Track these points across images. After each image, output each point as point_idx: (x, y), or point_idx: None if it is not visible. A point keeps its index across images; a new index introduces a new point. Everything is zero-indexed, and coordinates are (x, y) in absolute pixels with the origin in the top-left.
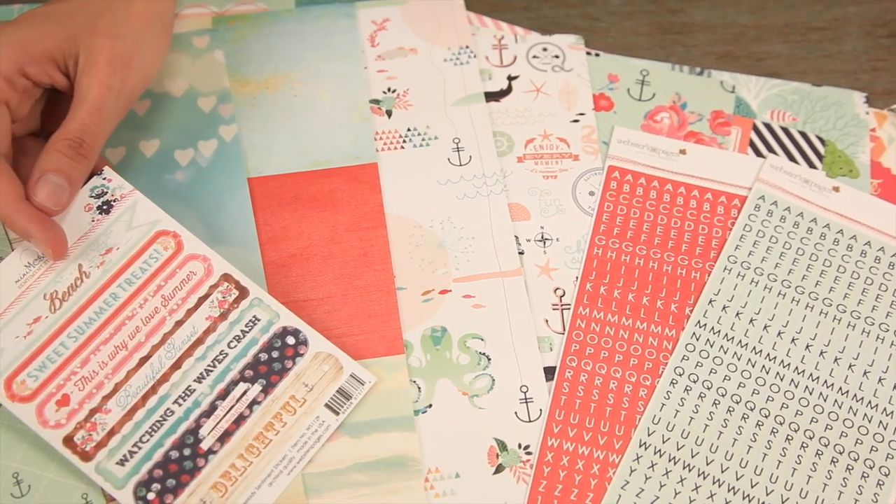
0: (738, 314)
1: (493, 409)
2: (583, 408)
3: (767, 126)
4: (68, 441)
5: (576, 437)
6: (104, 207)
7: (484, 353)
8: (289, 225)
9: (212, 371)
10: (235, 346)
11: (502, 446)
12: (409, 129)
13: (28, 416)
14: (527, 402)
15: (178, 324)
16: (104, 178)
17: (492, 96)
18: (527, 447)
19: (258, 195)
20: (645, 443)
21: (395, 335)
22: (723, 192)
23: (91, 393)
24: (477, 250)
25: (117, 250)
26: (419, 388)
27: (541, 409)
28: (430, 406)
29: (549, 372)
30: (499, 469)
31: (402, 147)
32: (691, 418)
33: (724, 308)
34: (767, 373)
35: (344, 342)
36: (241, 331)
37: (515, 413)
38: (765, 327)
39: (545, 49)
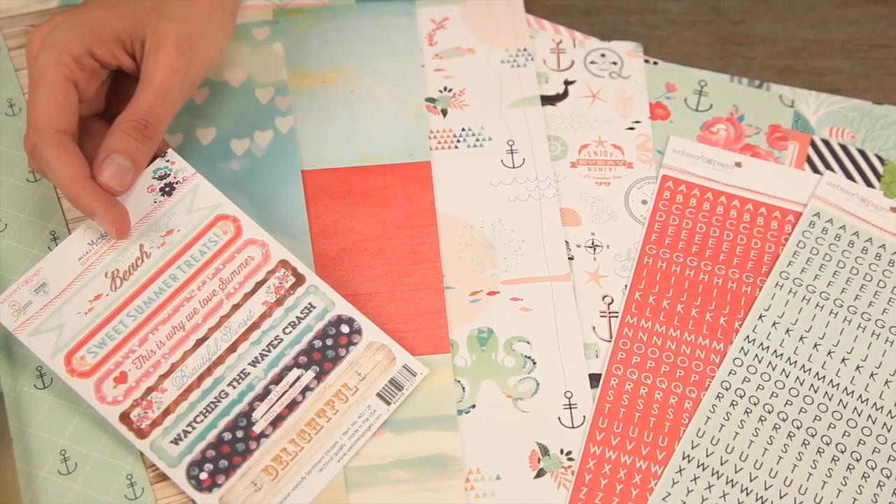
0: (787, 331)
1: (537, 412)
2: (627, 416)
3: (825, 142)
4: (124, 418)
5: (619, 446)
6: (166, 189)
7: (529, 357)
8: (340, 219)
9: (266, 356)
10: (290, 332)
11: (544, 451)
12: (463, 129)
13: (86, 391)
14: (571, 408)
15: (235, 307)
16: (167, 161)
17: (548, 100)
18: (569, 453)
19: (311, 188)
20: (688, 455)
21: (441, 333)
22: (777, 208)
23: (148, 371)
24: (526, 253)
25: (178, 232)
26: (463, 387)
27: (584, 416)
28: (474, 406)
29: (594, 379)
30: (540, 473)
31: (456, 146)
32: (736, 433)
33: (773, 324)
34: (815, 391)
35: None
36: (297, 317)
37: (559, 418)
38: (815, 345)
39: (603, 55)
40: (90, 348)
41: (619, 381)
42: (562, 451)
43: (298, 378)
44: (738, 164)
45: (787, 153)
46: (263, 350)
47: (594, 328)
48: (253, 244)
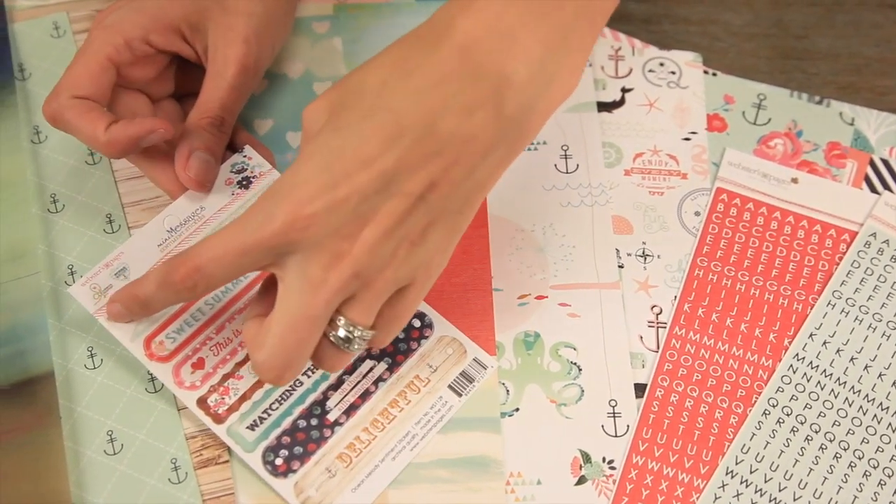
0: (838, 351)
1: (581, 419)
2: (671, 428)
3: (885, 162)
4: (202, 402)
5: (661, 457)
6: (244, 183)
7: (575, 363)
8: None
9: None
10: None
11: (586, 458)
12: None
13: (165, 375)
14: (615, 417)
15: None
16: (244, 156)
17: (604, 107)
18: (611, 462)
19: None
20: (732, 471)
21: (488, 335)
22: (833, 226)
23: (225, 359)
24: (576, 259)
25: None
26: (507, 390)
27: (628, 425)
28: (517, 410)
29: (639, 389)
30: (581, 480)
31: None
32: (781, 451)
33: (824, 343)
34: (864, 413)
35: None
36: None
37: (602, 426)
38: (865, 367)
39: (662, 64)
40: (168, 334)
41: (665, 392)
42: (604, 460)
43: (371, 369)
44: (795, 180)
45: (845, 171)
46: None
47: (641, 338)
48: None
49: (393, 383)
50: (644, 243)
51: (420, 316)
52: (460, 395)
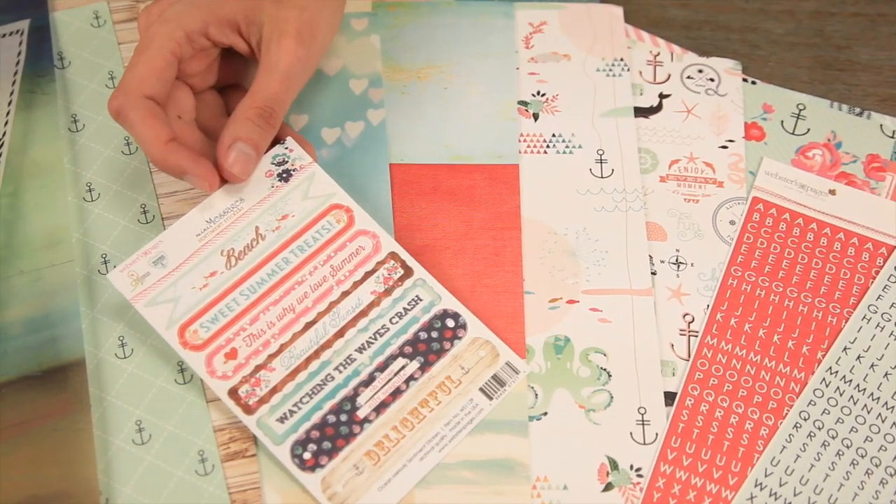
0: (872, 366)
1: (609, 426)
2: (700, 438)
3: None
4: (233, 393)
5: (690, 467)
6: (284, 175)
7: (605, 369)
8: (425, 215)
9: (373, 343)
10: (397, 322)
11: (614, 465)
12: (553, 135)
13: (198, 364)
14: (643, 424)
15: (345, 294)
16: (286, 148)
17: (641, 112)
18: (638, 469)
19: (398, 182)
20: (761, 483)
21: (518, 338)
22: (870, 239)
23: (258, 350)
24: (609, 265)
25: (293, 217)
26: (536, 394)
27: (657, 433)
28: (546, 414)
29: (669, 397)
30: (608, 487)
31: (545, 152)
32: (812, 465)
33: (858, 357)
34: None
35: None
36: (404, 308)
37: (631, 433)
38: None
39: (701, 71)
40: (203, 323)
41: (695, 401)
42: (631, 467)
43: (403, 367)
44: (833, 192)
45: (885, 184)
46: (370, 338)
47: (672, 346)
48: (364, 235)
49: (424, 383)
50: (678, 251)
51: (454, 316)
52: (491, 398)
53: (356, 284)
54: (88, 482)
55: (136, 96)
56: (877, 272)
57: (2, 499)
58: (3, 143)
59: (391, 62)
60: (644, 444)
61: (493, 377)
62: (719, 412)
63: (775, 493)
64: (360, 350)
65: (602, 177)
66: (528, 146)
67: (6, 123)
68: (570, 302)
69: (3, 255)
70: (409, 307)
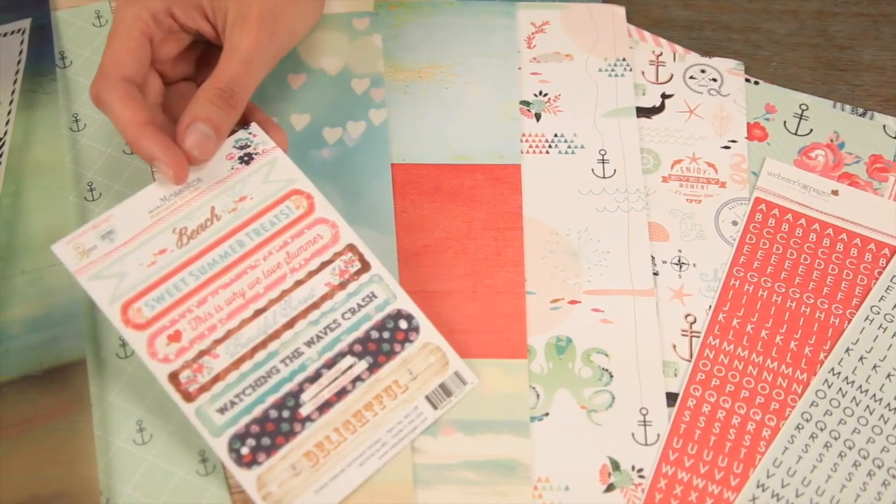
0: (875, 367)
1: (611, 426)
2: (702, 439)
3: None
4: (173, 377)
5: (692, 468)
6: (245, 158)
7: (607, 370)
8: (426, 215)
9: (322, 338)
10: (349, 318)
11: (615, 465)
12: (555, 135)
13: (139, 343)
14: (645, 425)
15: (298, 283)
16: (250, 133)
17: (643, 112)
18: (640, 470)
19: (399, 182)
20: (763, 484)
21: (519, 338)
22: (872, 240)
23: (203, 334)
24: (611, 265)
25: (251, 199)
26: (538, 395)
27: (658, 434)
28: (547, 414)
29: (671, 398)
30: (609, 488)
31: (547, 152)
32: (814, 467)
33: (860, 359)
34: None
35: (468, 339)
36: (357, 304)
37: (632, 434)
38: None
39: (703, 71)
40: (148, 301)
41: (697, 402)
42: (633, 468)
43: (351, 367)
44: (835, 192)
45: (888, 185)
46: (320, 332)
47: (675, 346)
48: (324, 223)
49: (371, 385)
50: (680, 251)
51: (408, 318)
52: (436, 407)
53: (311, 274)
54: (89, 482)
55: (113, 79)
56: (879, 273)
57: (2, 498)
58: (4, 143)
59: (393, 62)
60: (646, 444)
61: (441, 386)
62: (721, 413)
63: (777, 495)
64: (309, 344)
65: (604, 177)
66: (530, 146)
67: (7, 123)
68: (572, 302)
69: (5, 254)
70: (362, 303)
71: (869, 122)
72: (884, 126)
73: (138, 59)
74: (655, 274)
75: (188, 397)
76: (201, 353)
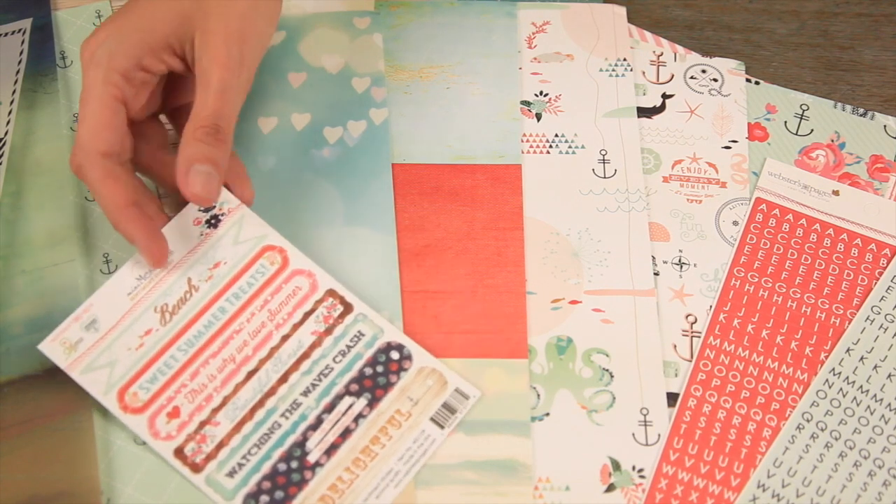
0: (875, 367)
1: (611, 426)
2: (703, 439)
3: None
4: (179, 453)
5: (692, 468)
6: (212, 222)
7: (607, 370)
8: (427, 215)
9: (318, 385)
10: (341, 361)
11: (616, 466)
12: (556, 135)
13: (140, 427)
14: (646, 425)
15: (285, 338)
16: None
17: (644, 112)
18: (641, 470)
19: (400, 182)
20: (763, 484)
21: (520, 338)
22: (873, 240)
23: (201, 405)
24: (612, 265)
25: (225, 264)
26: (538, 395)
27: (659, 434)
28: (548, 415)
29: (672, 398)
30: (610, 488)
31: (548, 152)
32: (815, 467)
33: (861, 359)
34: None
35: (468, 339)
36: (346, 345)
37: (633, 434)
38: None
39: (704, 71)
40: (142, 384)
41: (698, 402)
42: (634, 468)
43: (351, 406)
44: (836, 193)
45: (888, 185)
46: (314, 380)
47: (675, 347)
48: (300, 274)
49: (373, 419)
50: (680, 251)
51: (398, 347)
52: (443, 426)
53: (296, 327)
54: (90, 482)
55: (93, 154)
56: (880, 273)
57: (3, 498)
58: (5, 143)
59: (393, 61)
60: (646, 444)
61: (444, 405)
62: (722, 413)
63: (778, 495)
64: (306, 393)
65: (605, 177)
66: (531, 146)
67: (8, 122)
68: (573, 302)
69: (5, 254)
70: (351, 344)
71: (870, 123)
72: (885, 126)
73: (114, 128)
74: (656, 274)
75: (196, 468)
76: (202, 424)
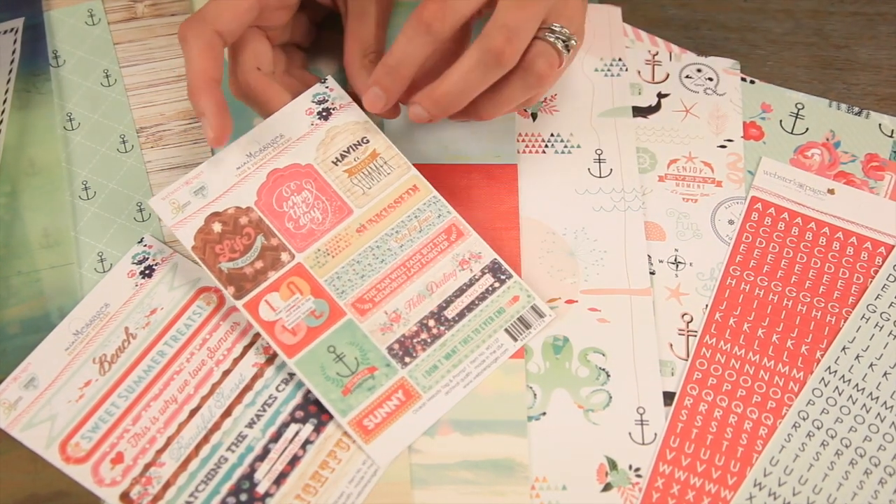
0: (871, 365)
1: (608, 426)
2: (699, 438)
3: None
4: (125, 497)
5: (689, 467)
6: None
7: (604, 369)
8: None
9: (262, 415)
10: (284, 389)
11: (612, 465)
12: (552, 135)
13: (84, 476)
14: (642, 424)
15: (226, 373)
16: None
17: (639, 111)
18: (637, 469)
19: None
20: (760, 483)
21: None
22: (868, 238)
23: (144, 448)
24: (608, 264)
25: (161, 310)
26: (535, 394)
27: (655, 433)
28: (544, 414)
29: (668, 397)
30: (607, 487)
31: (544, 152)
32: (811, 465)
33: (857, 357)
34: None
35: None
36: (289, 373)
37: (629, 433)
38: None
39: (699, 70)
40: (84, 434)
41: (694, 401)
42: (630, 467)
43: (297, 433)
44: (831, 191)
45: (883, 184)
46: (259, 410)
47: (671, 346)
48: (237, 311)
49: (321, 444)
50: (676, 250)
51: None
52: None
53: (236, 361)
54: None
55: (206, 27)
56: (875, 271)
57: (2, 497)
58: None
59: None
60: (643, 444)
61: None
62: (718, 412)
63: (774, 493)
64: (251, 425)
65: (600, 176)
66: (527, 146)
67: (1, 122)
68: (569, 302)
69: (1, 255)
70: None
71: (865, 121)
72: (879, 125)
73: (239, 19)
74: (652, 273)
75: None
76: (147, 466)
